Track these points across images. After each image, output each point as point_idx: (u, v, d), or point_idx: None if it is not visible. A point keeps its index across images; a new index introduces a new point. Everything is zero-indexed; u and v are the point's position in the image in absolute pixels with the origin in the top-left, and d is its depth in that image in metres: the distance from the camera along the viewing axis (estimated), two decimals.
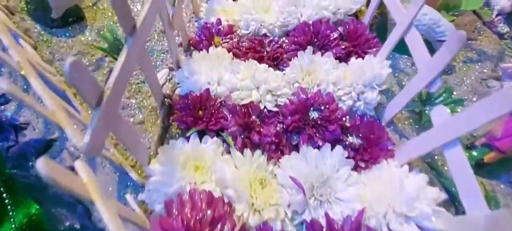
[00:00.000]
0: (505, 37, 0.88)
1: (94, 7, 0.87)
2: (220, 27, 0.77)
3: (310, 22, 0.75)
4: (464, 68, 0.81)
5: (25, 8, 0.82)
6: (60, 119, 0.38)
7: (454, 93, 0.74)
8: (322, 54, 0.71)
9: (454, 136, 0.43)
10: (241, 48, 0.75)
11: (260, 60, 0.72)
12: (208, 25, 0.77)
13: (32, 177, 0.70)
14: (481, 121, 0.39)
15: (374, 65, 0.64)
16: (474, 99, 0.74)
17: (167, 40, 0.62)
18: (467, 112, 0.41)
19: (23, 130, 0.72)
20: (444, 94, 0.68)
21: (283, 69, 0.71)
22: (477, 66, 0.80)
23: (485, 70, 0.79)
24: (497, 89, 0.73)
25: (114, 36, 0.72)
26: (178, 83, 0.68)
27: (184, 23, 0.74)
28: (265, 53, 0.74)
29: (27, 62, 0.44)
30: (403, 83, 0.75)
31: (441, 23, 0.72)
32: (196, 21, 0.83)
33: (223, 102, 0.65)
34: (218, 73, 0.66)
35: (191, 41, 0.77)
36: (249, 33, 0.78)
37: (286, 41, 0.77)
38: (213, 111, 0.62)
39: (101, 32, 0.77)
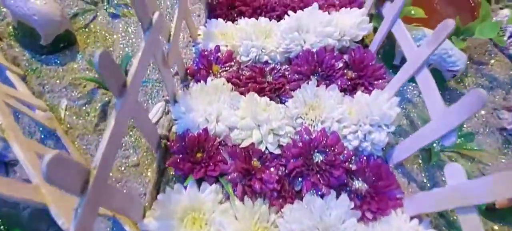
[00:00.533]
0: None
1: (86, 29, 0.82)
2: (218, 54, 0.73)
3: (314, 50, 0.71)
4: None
5: (13, 33, 0.78)
6: (44, 195, 0.35)
7: (464, 126, 0.71)
8: (326, 86, 0.68)
9: (470, 203, 0.40)
10: (241, 77, 0.71)
11: (261, 91, 0.68)
12: (206, 52, 0.73)
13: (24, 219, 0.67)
14: (502, 194, 0.36)
15: (382, 104, 0.60)
16: (485, 132, 0.71)
17: (162, 76, 0.59)
18: (486, 182, 0.38)
19: (13, 166, 0.70)
20: None
21: (286, 101, 0.68)
22: (488, 95, 0.76)
23: (497, 99, 0.76)
24: (509, 122, 0.69)
25: None
26: (175, 120, 0.64)
27: (180, 54, 0.70)
28: (266, 84, 0.70)
29: (10, 125, 0.41)
30: (411, 115, 0.71)
31: (452, 52, 0.68)
32: (193, 46, 0.79)
33: (222, 142, 0.62)
34: (217, 109, 0.63)
35: (188, 70, 0.73)
36: (249, 60, 0.74)
37: (289, 69, 0.73)
38: (212, 154, 0.58)
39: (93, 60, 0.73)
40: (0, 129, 0.39)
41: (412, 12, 0.72)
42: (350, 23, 0.73)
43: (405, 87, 0.76)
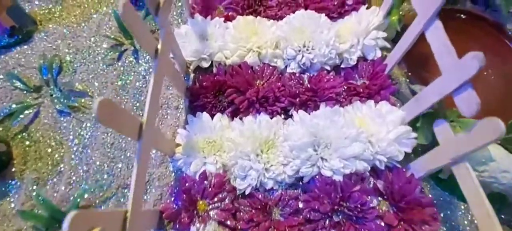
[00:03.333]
0: None
1: (25, 136, 0.61)
2: (205, 184, 0.53)
3: (336, 180, 0.51)
4: None
5: None
6: None
7: None
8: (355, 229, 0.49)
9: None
10: (238, 216, 0.52)
11: None
12: (187, 182, 0.53)
13: None
14: None
15: None
16: None
17: None
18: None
19: None
20: None
21: None
22: None
23: None
24: None
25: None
26: None
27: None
28: (272, 227, 0.51)
29: None
30: None
31: None
32: (171, 162, 0.59)
33: None
34: None
35: (164, 213, 0.53)
36: (248, 186, 0.54)
37: (302, 200, 0.53)
38: None
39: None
40: None
41: None
42: (388, 137, 0.52)
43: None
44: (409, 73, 0.67)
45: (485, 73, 0.75)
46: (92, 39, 0.73)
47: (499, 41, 0.78)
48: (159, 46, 0.46)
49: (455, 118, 0.51)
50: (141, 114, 0.64)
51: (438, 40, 0.44)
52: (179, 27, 0.73)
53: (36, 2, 0.79)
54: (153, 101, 0.43)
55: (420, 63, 0.70)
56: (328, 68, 0.65)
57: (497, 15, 0.84)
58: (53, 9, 0.78)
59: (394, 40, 0.71)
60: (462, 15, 0.81)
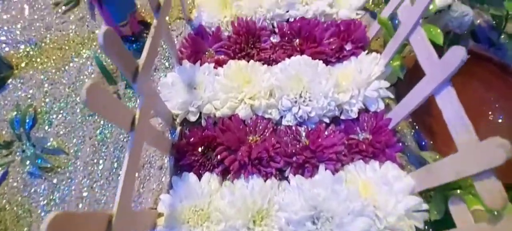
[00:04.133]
0: None
1: None
2: None
3: None
4: None
5: None
6: None
7: None
8: None
9: None
10: None
11: None
12: None
13: None
14: None
15: None
16: None
17: None
18: None
19: None
20: None
21: None
22: None
23: None
24: None
25: None
26: None
27: None
28: None
29: None
30: None
31: None
32: None
33: None
34: None
35: None
36: None
37: None
38: None
39: None
40: None
41: None
42: (396, 210, 0.46)
43: None
44: (415, 124, 0.62)
45: (490, 114, 0.71)
46: (72, 86, 0.67)
47: (504, 81, 0.74)
48: (136, 116, 0.41)
49: (471, 191, 0.45)
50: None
51: (452, 110, 0.39)
52: (166, 74, 0.69)
53: (13, 44, 0.74)
54: (127, 186, 0.37)
55: (426, 110, 0.65)
56: (327, 120, 0.59)
57: (501, 53, 0.81)
58: (31, 52, 0.73)
59: (395, 85, 0.66)
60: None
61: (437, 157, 0.49)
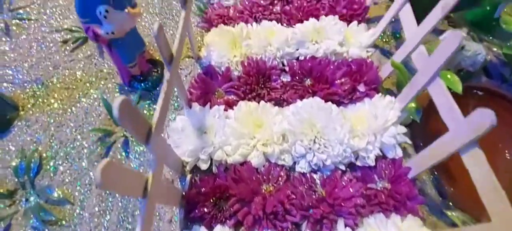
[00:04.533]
0: None
1: None
2: None
3: None
4: None
5: None
6: None
7: None
8: None
9: None
10: None
11: None
12: None
13: None
14: None
15: None
16: None
17: None
18: None
19: None
20: None
21: None
22: None
23: None
24: None
25: None
26: None
27: None
28: None
29: None
30: None
31: None
32: None
33: None
34: None
35: None
36: None
37: None
38: None
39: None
40: None
41: None
42: None
43: None
44: (434, 170, 0.60)
45: (507, 152, 0.69)
46: (78, 129, 0.66)
47: None
48: (149, 181, 0.39)
49: None
50: (130, 220, 0.56)
51: (481, 173, 0.37)
52: (175, 115, 0.67)
53: (20, 84, 0.73)
54: None
55: None
56: (343, 167, 0.57)
57: None
58: (37, 92, 0.72)
59: (409, 126, 0.65)
60: (479, 92, 0.76)
61: (464, 217, 0.46)
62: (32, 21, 0.86)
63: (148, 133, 0.40)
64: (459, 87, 0.52)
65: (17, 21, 0.85)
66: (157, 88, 0.73)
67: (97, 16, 0.57)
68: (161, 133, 0.44)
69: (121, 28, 0.61)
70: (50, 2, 0.92)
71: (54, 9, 0.89)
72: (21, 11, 0.88)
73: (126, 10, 0.60)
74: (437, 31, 0.77)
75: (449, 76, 0.51)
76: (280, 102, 0.69)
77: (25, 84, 0.73)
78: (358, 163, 0.58)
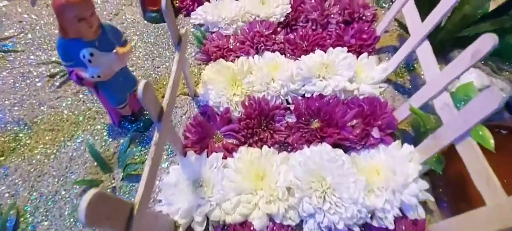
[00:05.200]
0: None
1: None
2: None
3: None
4: None
5: None
6: None
7: None
8: None
9: None
10: None
11: None
12: None
13: None
14: None
15: None
16: None
17: None
18: None
19: None
20: None
21: None
22: None
23: None
24: None
25: None
26: None
27: None
28: None
29: None
30: None
31: None
32: None
33: None
34: None
35: None
36: None
37: None
38: None
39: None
40: None
41: None
42: None
43: None
44: None
45: None
46: (61, 179, 0.59)
47: None
48: None
49: None
50: None
51: None
52: (168, 163, 0.61)
53: (1, 125, 0.67)
54: None
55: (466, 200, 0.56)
56: (357, 230, 0.50)
57: None
58: (20, 135, 0.66)
59: (428, 173, 0.58)
60: (502, 131, 0.69)
61: None
62: (18, 53, 0.80)
63: (130, 214, 0.33)
64: (490, 144, 0.45)
65: (2, 53, 0.80)
66: (150, 129, 0.67)
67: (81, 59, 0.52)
68: (146, 209, 0.37)
69: (109, 70, 0.55)
70: (40, 30, 0.87)
71: (43, 39, 0.84)
72: (7, 42, 0.83)
73: (114, 51, 0.54)
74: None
75: (480, 133, 0.44)
76: (284, 147, 0.62)
77: (7, 126, 0.67)
78: (374, 223, 0.51)
